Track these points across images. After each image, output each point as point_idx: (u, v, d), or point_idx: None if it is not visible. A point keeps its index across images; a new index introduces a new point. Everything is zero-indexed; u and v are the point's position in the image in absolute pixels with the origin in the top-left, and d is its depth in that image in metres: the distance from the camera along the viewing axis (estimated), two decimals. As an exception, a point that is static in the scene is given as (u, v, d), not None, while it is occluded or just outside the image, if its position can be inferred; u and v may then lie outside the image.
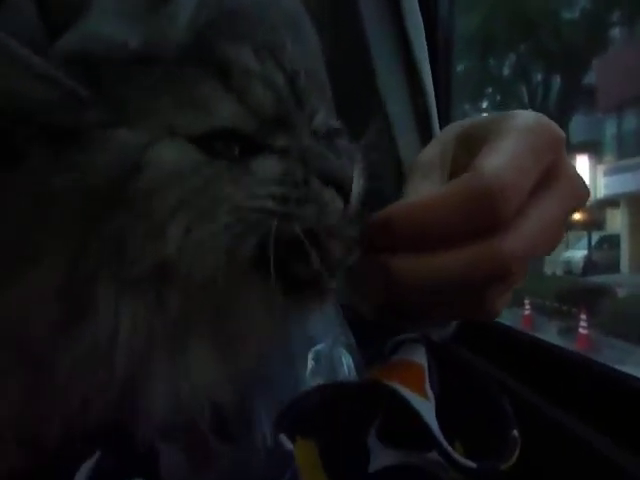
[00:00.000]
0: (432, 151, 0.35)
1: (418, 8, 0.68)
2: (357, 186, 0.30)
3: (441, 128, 0.68)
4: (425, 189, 0.32)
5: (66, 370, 0.25)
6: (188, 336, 0.27)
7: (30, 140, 0.26)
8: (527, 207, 0.30)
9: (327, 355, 0.41)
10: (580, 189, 0.32)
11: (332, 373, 0.41)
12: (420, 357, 0.34)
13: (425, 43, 0.67)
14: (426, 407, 0.31)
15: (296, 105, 0.30)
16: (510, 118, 0.32)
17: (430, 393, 0.33)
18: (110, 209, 0.25)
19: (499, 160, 0.29)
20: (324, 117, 0.31)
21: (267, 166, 0.27)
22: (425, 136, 0.66)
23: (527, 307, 5.01)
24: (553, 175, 0.31)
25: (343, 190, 0.29)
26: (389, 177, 0.70)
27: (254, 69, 0.28)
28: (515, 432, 0.33)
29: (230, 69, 0.28)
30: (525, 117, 0.32)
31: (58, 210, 0.26)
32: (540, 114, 0.33)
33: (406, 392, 0.31)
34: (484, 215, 0.28)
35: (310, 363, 0.40)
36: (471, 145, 0.33)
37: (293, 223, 0.26)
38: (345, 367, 0.42)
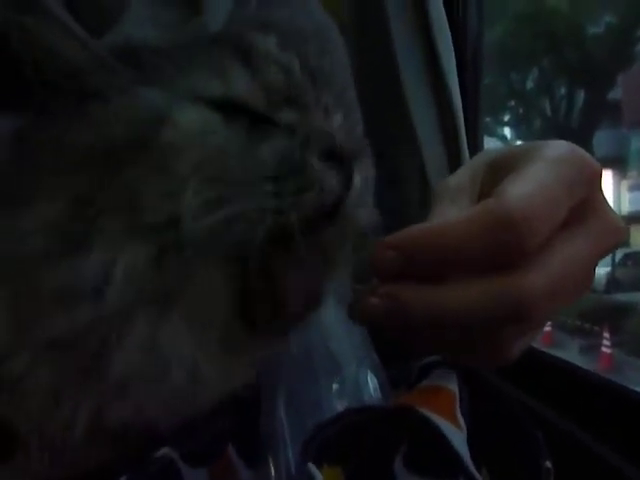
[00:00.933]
0: (462, 176, 0.33)
1: (446, 21, 0.68)
2: (361, 175, 0.30)
3: (468, 142, 0.67)
4: (452, 214, 0.30)
5: (50, 295, 0.26)
6: (170, 308, 0.27)
7: (55, 94, 0.28)
8: (554, 243, 0.27)
9: (352, 376, 0.40)
10: (616, 229, 0.29)
11: (357, 394, 0.40)
12: (451, 383, 0.32)
13: (453, 56, 0.66)
14: (458, 436, 0.30)
15: (310, 92, 0.31)
16: (543, 147, 0.30)
17: (462, 421, 0.31)
18: (129, 160, 0.27)
19: (526, 187, 0.26)
20: (342, 120, 0.31)
21: (272, 147, 0.28)
22: (452, 150, 0.65)
23: (547, 323, 4.91)
24: (586, 211, 0.28)
25: (343, 168, 0.28)
26: (413, 192, 0.69)
27: (272, 53, 0.31)
28: (548, 463, 0.31)
29: (251, 51, 0.30)
30: (559, 146, 0.30)
31: (74, 155, 0.27)
32: (575, 145, 0.30)
33: (438, 420, 0.29)
34: (504, 246, 0.25)
35: (335, 386, 0.39)
36: (501, 173, 0.30)
37: (289, 215, 0.27)
38: (371, 388, 0.41)
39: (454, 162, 0.63)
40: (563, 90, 8.10)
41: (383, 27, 0.66)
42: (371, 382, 0.41)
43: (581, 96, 7.85)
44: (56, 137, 0.28)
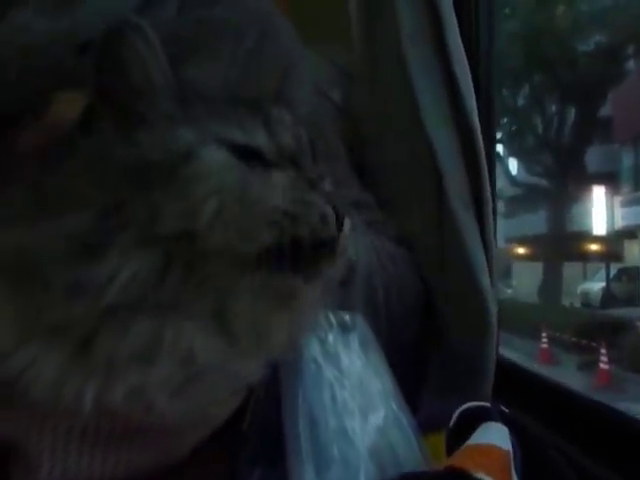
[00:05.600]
0: None
1: (461, 42, 0.66)
2: (348, 228, 0.34)
3: (487, 163, 0.65)
4: None
5: (60, 291, 0.29)
6: (181, 311, 0.31)
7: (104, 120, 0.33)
8: None
9: (380, 418, 0.38)
10: None
11: (386, 436, 0.37)
12: (504, 441, 0.30)
13: (470, 79, 0.64)
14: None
15: (310, 161, 0.36)
16: None
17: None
18: (156, 183, 0.31)
19: None
20: (329, 185, 0.37)
21: (285, 180, 0.33)
22: (472, 175, 0.63)
23: (544, 340, 4.90)
24: None
25: (339, 216, 0.33)
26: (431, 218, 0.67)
27: (287, 123, 0.37)
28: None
29: (270, 117, 0.36)
30: None
31: (110, 171, 0.32)
32: None
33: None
34: None
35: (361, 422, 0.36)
36: None
37: (301, 226, 0.31)
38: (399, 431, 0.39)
39: (475, 187, 0.61)
40: (554, 107, 8.19)
41: (399, 56, 0.64)
42: (400, 425, 0.39)
43: (572, 113, 7.94)
44: (100, 151, 0.32)
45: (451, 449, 0.34)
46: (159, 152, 0.32)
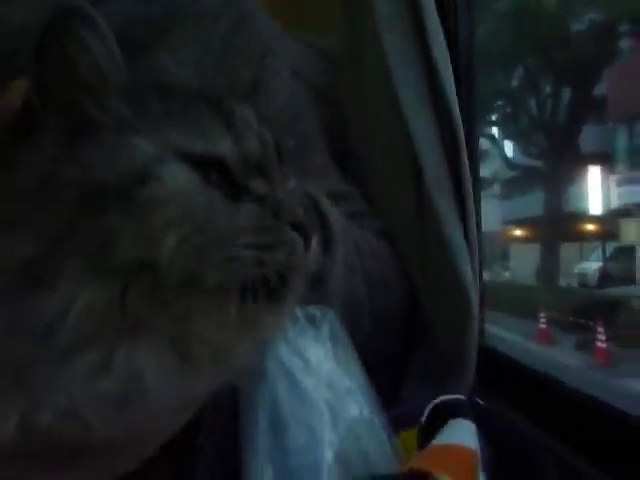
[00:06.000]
0: None
1: (440, 26, 0.65)
2: (316, 241, 0.34)
3: (469, 148, 0.64)
4: None
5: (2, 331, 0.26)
6: (138, 334, 0.29)
7: (46, 126, 0.29)
8: None
9: (351, 415, 0.37)
10: None
11: (356, 435, 0.36)
12: (471, 440, 0.29)
13: (449, 63, 0.63)
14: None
15: (277, 164, 0.35)
16: None
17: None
18: (110, 207, 0.28)
19: None
20: (294, 183, 0.36)
21: (249, 210, 0.31)
22: (453, 164, 0.62)
23: (542, 320, 4.92)
24: None
25: (306, 236, 0.33)
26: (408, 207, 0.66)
27: (252, 124, 0.34)
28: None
29: (232, 117, 0.33)
30: None
31: (56, 193, 0.28)
32: None
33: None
34: None
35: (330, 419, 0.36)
36: None
37: (266, 266, 0.31)
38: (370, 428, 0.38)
39: (456, 174, 0.60)
40: (548, 88, 8.13)
41: (376, 39, 0.63)
42: (372, 422, 0.38)
43: (567, 93, 7.89)
44: (47, 168, 0.29)
45: (422, 444, 0.34)
46: (113, 173, 0.29)
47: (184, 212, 0.29)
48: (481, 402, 0.38)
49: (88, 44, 0.30)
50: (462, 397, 0.37)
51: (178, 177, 0.30)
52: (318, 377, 0.35)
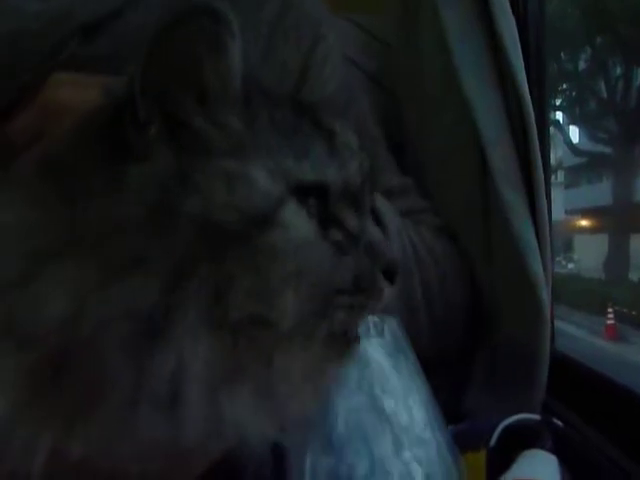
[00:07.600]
0: None
1: (508, 5, 0.59)
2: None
3: (539, 134, 0.59)
4: None
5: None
6: (236, 381, 0.27)
7: (153, 141, 0.26)
8: None
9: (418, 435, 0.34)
10: None
11: (426, 455, 0.33)
12: (551, 475, 0.25)
13: (519, 44, 0.57)
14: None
15: (370, 193, 0.33)
16: None
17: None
18: (228, 249, 0.25)
19: None
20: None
21: (348, 262, 0.29)
22: (522, 146, 0.56)
23: (610, 316, 4.71)
24: None
25: (392, 279, 0.31)
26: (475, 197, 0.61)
27: (353, 148, 0.31)
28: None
29: (334, 139, 0.30)
30: None
31: (172, 226, 0.25)
32: None
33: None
34: None
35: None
36: None
37: (356, 314, 0.30)
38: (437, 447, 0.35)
39: (525, 164, 0.55)
40: (619, 69, 7.68)
41: (434, 16, 0.58)
42: (437, 441, 0.35)
43: (639, 74, 7.43)
44: (158, 194, 0.25)
45: (492, 471, 0.30)
46: (234, 211, 0.25)
47: (304, 265, 0.27)
48: (559, 423, 0.33)
49: (221, 45, 0.25)
50: (537, 417, 0.33)
51: (299, 223, 0.27)
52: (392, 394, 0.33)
